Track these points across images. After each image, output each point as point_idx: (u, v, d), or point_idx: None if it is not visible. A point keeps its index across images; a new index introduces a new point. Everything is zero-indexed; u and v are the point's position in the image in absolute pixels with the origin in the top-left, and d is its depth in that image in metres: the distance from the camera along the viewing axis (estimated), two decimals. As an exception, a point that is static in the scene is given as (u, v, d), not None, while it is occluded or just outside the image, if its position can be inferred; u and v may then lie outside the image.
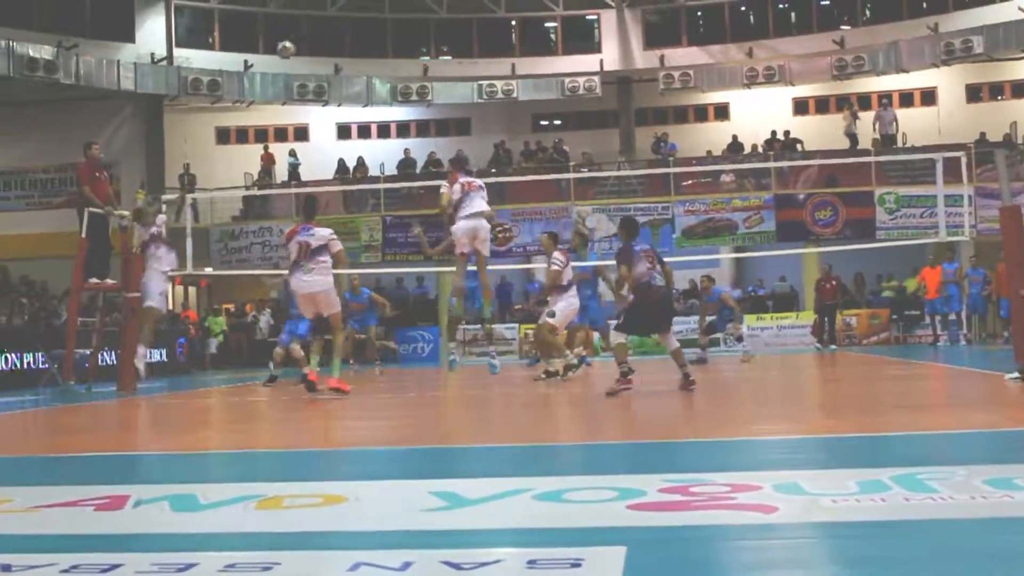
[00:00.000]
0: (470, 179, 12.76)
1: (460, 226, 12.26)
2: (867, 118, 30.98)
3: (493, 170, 31.69)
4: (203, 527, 3.90)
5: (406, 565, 3.00)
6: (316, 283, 11.59)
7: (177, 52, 32.26)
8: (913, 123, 31.18)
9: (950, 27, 31.32)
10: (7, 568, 3.11)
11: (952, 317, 24.55)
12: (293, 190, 29.36)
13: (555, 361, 13.54)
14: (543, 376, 13.50)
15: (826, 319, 25.32)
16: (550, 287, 13.77)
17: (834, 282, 25.48)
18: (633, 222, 11.44)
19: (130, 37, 32.05)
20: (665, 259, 10.90)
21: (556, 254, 13.72)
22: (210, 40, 33.86)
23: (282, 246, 28.93)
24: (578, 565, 2.92)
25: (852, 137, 30.49)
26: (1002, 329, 23.79)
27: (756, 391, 10.79)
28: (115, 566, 3.08)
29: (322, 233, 11.72)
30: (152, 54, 31.76)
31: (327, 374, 11.75)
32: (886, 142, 29.72)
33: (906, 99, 33.54)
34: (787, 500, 3.89)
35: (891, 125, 30.23)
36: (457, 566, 2.95)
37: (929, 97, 33.63)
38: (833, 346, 24.72)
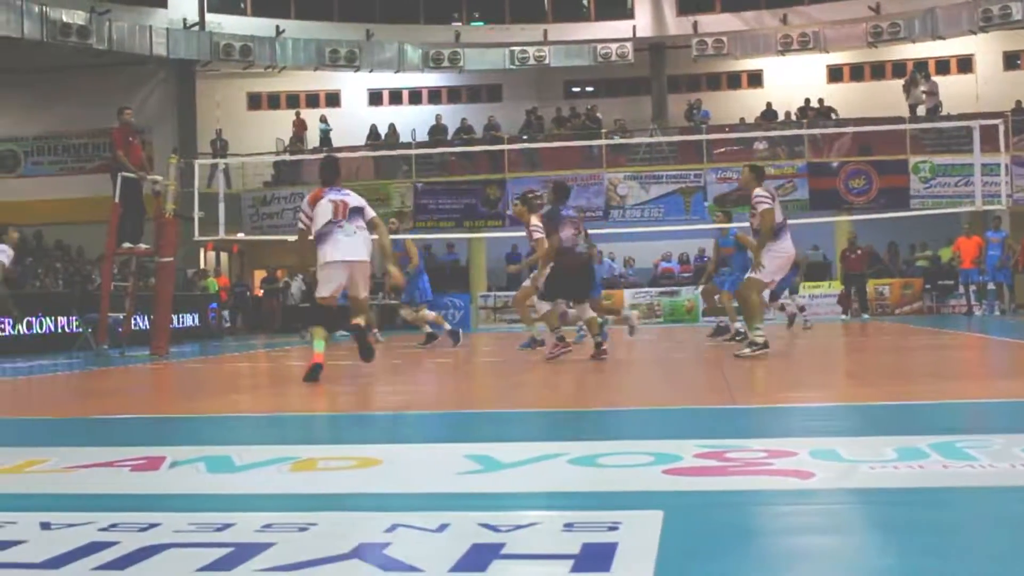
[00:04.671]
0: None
1: None
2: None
3: (524, 137, 31.62)
4: (238, 488, 3.91)
5: (443, 527, 2.99)
6: (359, 250, 9.52)
7: (209, 17, 32.23)
8: (949, 91, 30.80)
9: (988, -7, 30.88)
10: (46, 526, 3.13)
11: (991, 287, 24.36)
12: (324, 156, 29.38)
13: (758, 329, 10.69)
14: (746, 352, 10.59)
15: (854, 289, 25.21)
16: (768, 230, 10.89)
17: (860, 252, 25.30)
18: (564, 186, 11.59)
19: (162, 2, 32.04)
20: (699, 226, 10.98)
21: (759, 190, 11.12)
22: (242, 5, 33.83)
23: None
24: (615, 528, 2.90)
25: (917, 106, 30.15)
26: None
27: (789, 359, 10.73)
28: (153, 525, 3.09)
29: (357, 197, 9.81)
30: (184, 19, 31.75)
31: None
32: (930, 114, 29.37)
33: (942, 66, 33.14)
34: (824, 466, 3.86)
35: (934, 96, 29.95)
36: (494, 528, 2.94)
37: (966, 64, 33.21)
38: (866, 315, 24.57)
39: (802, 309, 18.73)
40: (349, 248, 9.39)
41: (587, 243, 11.38)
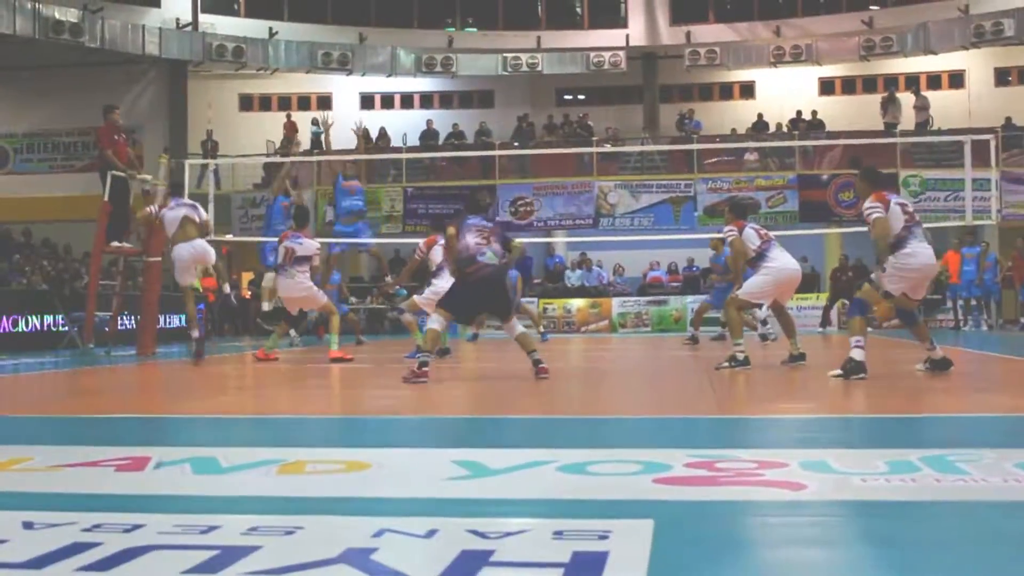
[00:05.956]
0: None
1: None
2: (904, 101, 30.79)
3: (516, 143, 31.63)
4: (224, 490, 3.87)
5: (431, 533, 2.96)
6: (299, 288, 12.93)
7: (202, 18, 32.19)
8: (940, 106, 30.90)
9: (981, 9, 31.01)
10: (29, 525, 3.09)
11: (973, 302, 24.38)
12: (315, 158, 29.38)
13: (739, 344, 10.45)
14: (726, 364, 10.32)
15: (843, 302, 25.12)
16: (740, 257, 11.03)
17: (850, 273, 25.27)
18: (476, 198, 10.44)
19: (156, 2, 32.06)
20: (688, 235, 10.74)
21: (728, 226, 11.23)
22: (235, 7, 33.80)
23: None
24: (605, 537, 2.88)
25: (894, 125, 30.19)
26: (1021, 314, 23.70)
27: (778, 371, 10.71)
28: (137, 526, 3.06)
29: (310, 245, 13.11)
30: (177, 19, 31.74)
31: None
32: (919, 129, 29.42)
33: (934, 81, 33.26)
34: (815, 478, 3.84)
35: (924, 111, 30.04)
36: (483, 535, 2.91)
37: (957, 80, 33.33)
38: (868, 328, 24.36)
39: (764, 322, 17.93)
40: (287, 288, 13.02)
41: (498, 255, 9.71)
